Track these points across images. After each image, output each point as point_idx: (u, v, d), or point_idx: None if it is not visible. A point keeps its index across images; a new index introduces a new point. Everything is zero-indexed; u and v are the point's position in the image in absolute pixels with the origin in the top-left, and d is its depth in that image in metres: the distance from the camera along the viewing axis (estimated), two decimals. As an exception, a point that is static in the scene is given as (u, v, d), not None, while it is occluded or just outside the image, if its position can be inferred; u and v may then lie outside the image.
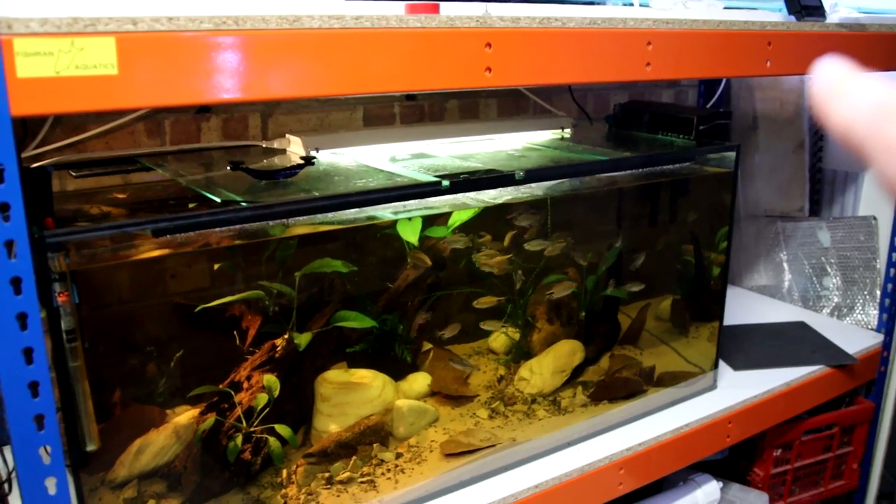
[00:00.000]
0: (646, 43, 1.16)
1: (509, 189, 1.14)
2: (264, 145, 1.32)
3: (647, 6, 1.26)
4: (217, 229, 0.90)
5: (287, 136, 1.27)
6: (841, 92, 0.27)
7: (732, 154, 1.41)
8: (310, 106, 1.47)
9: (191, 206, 1.02)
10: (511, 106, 1.75)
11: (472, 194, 1.11)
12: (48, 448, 0.80)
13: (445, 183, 1.05)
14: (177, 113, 1.35)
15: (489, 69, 1.01)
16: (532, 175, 1.13)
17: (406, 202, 1.05)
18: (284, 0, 0.93)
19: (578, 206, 1.38)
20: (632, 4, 1.25)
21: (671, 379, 1.47)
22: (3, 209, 0.75)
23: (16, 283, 0.76)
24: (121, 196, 1.18)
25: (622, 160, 1.26)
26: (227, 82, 0.83)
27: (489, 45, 1.01)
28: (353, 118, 1.53)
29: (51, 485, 0.81)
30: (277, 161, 1.20)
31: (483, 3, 1.04)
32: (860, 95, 0.26)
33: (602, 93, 1.93)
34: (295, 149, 1.24)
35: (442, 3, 1.00)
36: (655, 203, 1.53)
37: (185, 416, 1.06)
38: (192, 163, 1.27)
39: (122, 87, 0.78)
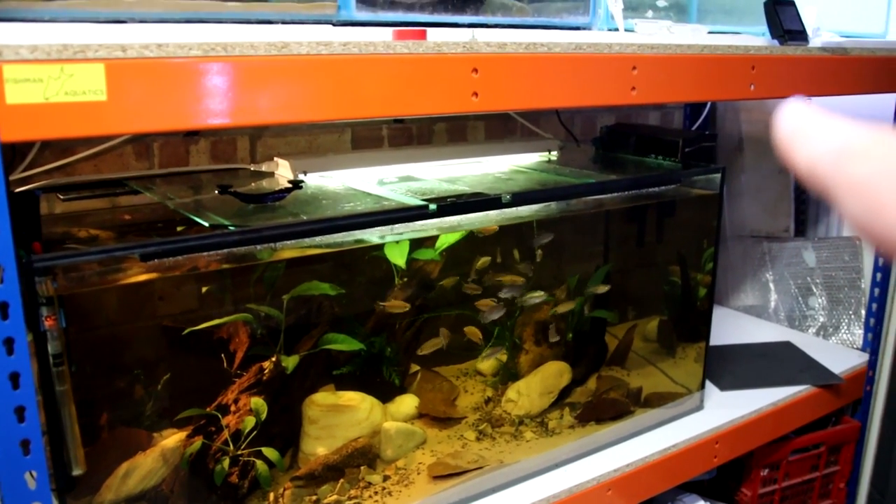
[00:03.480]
0: (631, 67, 1.18)
1: (495, 212, 1.15)
2: (252, 168, 1.32)
3: (632, 31, 1.28)
4: (205, 253, 0.90)
5: (275, 159, 1.28)
6: (804, 133, 0.27)
7: (718, 176, 1.43)
8: (298, 129, 1.48)
9: (179, 229, 1.03)
10: (499, 129, 1.76)
11: (463, 217, 1.12)
12: (34, 473, 0.80)
13: (433, 206, 1.06)
14: (166, 136, 1.35)
15: (476, 94, 1.02)
16: (519, 198, 1.14)
17: (394, 225, 1.06)
18: (272, 27, 0.94)
19: (565, 229, 1.39)
20: (617, 30, 1.26)
21: (658, 399, 1.48)
22: (-9, 234, 0.75)
23: (3, 308, 0.76)
24: (109, 219, 1.19)
25: (608, 183, 1.28)
26: (215, 108, 0.84)
27: (476, 70, 1.02)
28: (342, 140, 1.54)
29: (37, 510, 0.81)
30: (265, 184, 1.21)
31: (470, 30, 1.05)
32: (823, 136, 0.26)
33: (589, 115, 1.95)
34: (283, 172, 1.24)
35: (429, 30, 1.01)
36: (642, 225, 1.54)
37: (172, 439, 1.06)
38: (180, 185, 1.27)
39: (110, 113, 0.78)
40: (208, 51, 0.83)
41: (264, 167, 1.29)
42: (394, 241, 1.15)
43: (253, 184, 1.21)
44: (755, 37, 1.42)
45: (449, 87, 1.00)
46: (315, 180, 1.23)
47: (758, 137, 2.12)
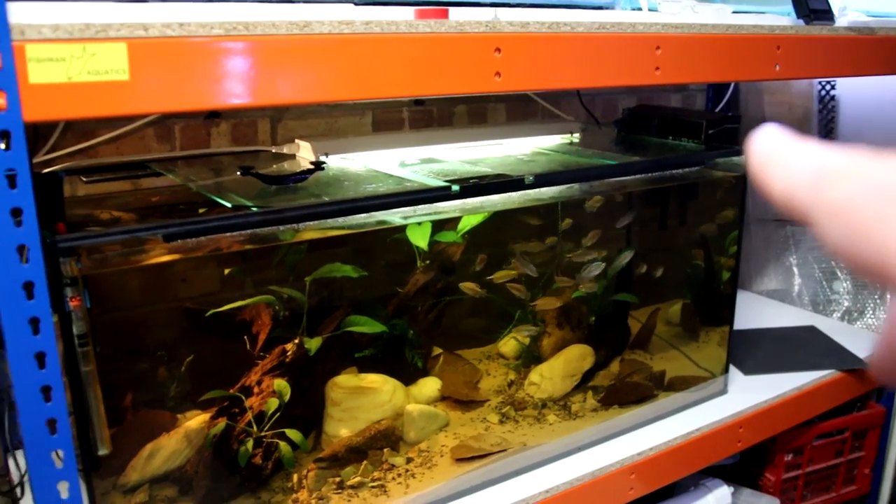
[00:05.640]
0: (655, 47, 1.16)
1: (518, 194, 1.14)
2: (274, 150, 1.32)
3: (655, 10, 1.26)
4: (228, 234, 0.90)
5: (296, 141, 1.28)
6: (778, 159, 0.26)
7: (743, 158, 1.41)
8: (318, 111, 1.47)
9: (201, 211, 1.03)
10: (519, 110, 1.75)
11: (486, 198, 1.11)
12: (60, 452, 0.81)
13: (455, 188, 1.05)
14: (187, 118, 1.35)
15: (498, 74, 1.01)
16: (541, 180, 1.13)
17: (416, 207, 1.05)
18: (294, 6, 0.93)
19: (586, 211, 1.38)
20: (640, 9, 1.25)
21: (681, 383, 1.47)
22: (16, 214, 0.75)
23: (28, 288, 0.76)
24: (131, 201, 1.19)
25: (632, 165, 1.26)
26: (237, 87, 0.83)
27: (498, 49, 1.01)
28: (362, 123, 1.54)
29: (63, 489, 0.81)
30: (287, 166, 1.20)
31: (492, 9, 1.04)
32: (798, 161, 0.26)
33: (610, 97, 1.93)
34: (304, 154, 1.24)
35: (451, 9, 1.00)
36: (665, 208, 1.53)
37: (195, 420, 1.07)
38: (201, 168, 1.27)
39: (133, 93, 0.78)
40: (230, 30, 0.82)
41: (286, 149, 1.29)
42: (416, 222, 1.15)
43: (274, 165, 1.21)
44: (781, 16, 1.40)
45: (472, 67, 0.99)
46: (336, 162, 1.22)
47: (781, 119, 2.09)
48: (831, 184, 0.24)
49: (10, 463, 1.20)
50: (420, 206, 1.04)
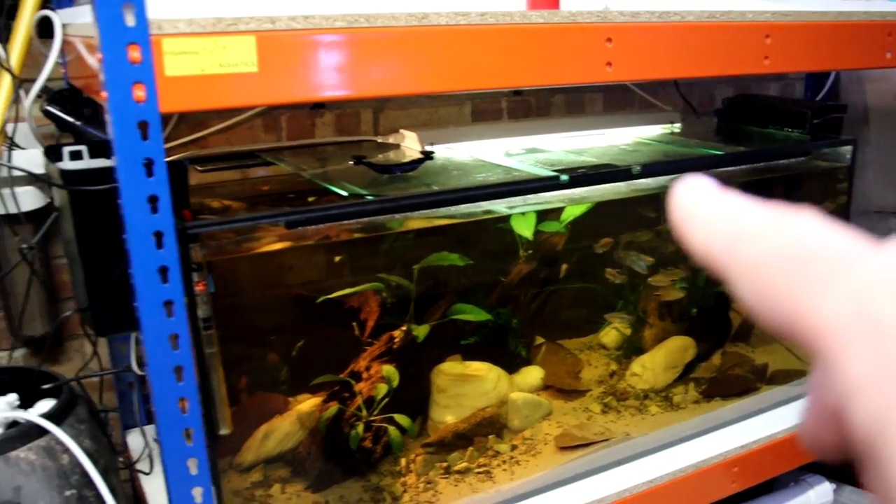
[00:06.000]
0: (764, 36, 1.14)
1: (623, 184, 1.14)
2: (379, 140, 1.34)
3: (764, -2, 1.24)
4: (346, 222, 0.92)
5: (401, 131, 1.29)
6: (698, 213, 0.25)
7: (849, 149, 1.38)
8: (419, 101, 1.49)
9: (310, 199, 1.05)
10: (616, 100, 1.74)
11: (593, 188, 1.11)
12: (191, 430, 0.84)
13: (564, 177, 1.05)
14: (293, 109, 1.38)
15: (609, 64, 1.01)
16: (649, 169, 1.13)
17: (525, 196, 1.06)
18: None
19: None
20: (750, -4, 1.23)
21: (784, 377, 1.45)
22: (152, 201, 0.78)
23: (163, 273, 0.79)
24: (241, 189, 1.22)
25: (740, 154, 1.25)
26: (358, 78, 0.85)
27: (609, 39, 1.01)
28: (462, 113, 1.55)
29: (192, 465, 0.85)
30: (393, 156, 1.22)
31: (604, -1, 1.04)
32: (717, 217, 0.25)
33: (707, 86, 1.90)
34: (410, 144, 1.26)
35: (561, -1, 1.00)
36: (768, 198, 1.50)
37: (307, 403, 1.09)
38: (308, 157, 1.30)
39: (261, 84, 0.81)
40: (352, 22, 0.84)
41: (391, 139, 1.31)
42: (520, 212, 1.16)
43: (380, 155, 1.23)
44: (892, 2, 1.36)
45: (583, 57, 0.99)
46: (442, 152, 1.24)
47: (884, 109, 2.03)
48: (744, 243, 0.23)
49: (130, 439, 1.25)
50: (529, 196, 1.05)
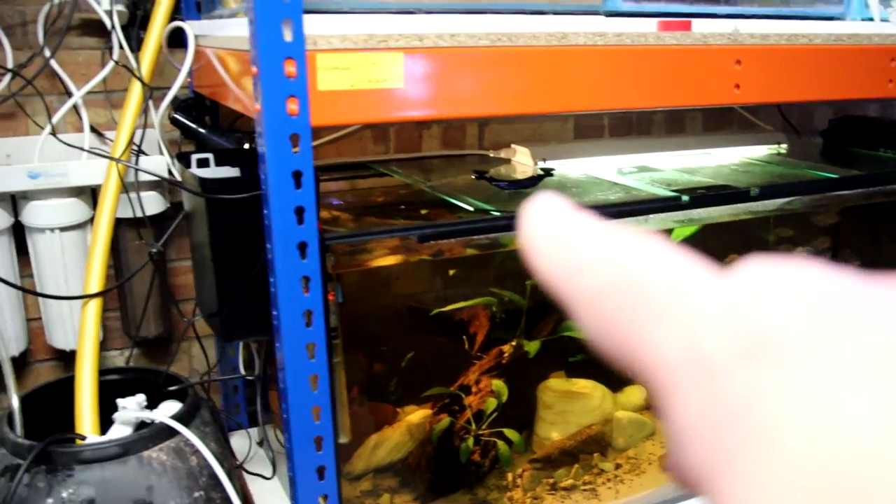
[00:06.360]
0: (890, 59, 1.13)
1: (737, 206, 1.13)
2: (491, 154, 1.35)
3: (887, 20, 1.22)
4: (476, 237, 0.93)
5: (512, 146, 1.30)
6: (544, 237, 0.23)
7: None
8: (524, 117, 1.49)
9: (423, 211, 1.06)
10: (716, 119, 1.73)
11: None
12: (321, 438, 0.85)
13: (685, 197, 1.05)
14: (401, 122, 1.40)
15: (738, 86, 1.01)
16: (767, 192, 1.12)
17: (643, 217, 1.06)
18: (544, 17, 0.95)
19: (799, 225, 1.35)
20: (872, 19, 1.21)
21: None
22: (299, 213, 0.80)
23: (305, 282, 0.81)
24: (355, 201, 1.24)
25: (858, 178, 1.23)
26: (498, 96, 0.86)
27: (739, 61, 1.00)
28: (565, 129, 1.55)
29: (321, 473, 0.86)
30: (510, 171, 1.23)
31: (731, 20, 1.03)
32: (560, 242, 0.23)
33: (807, 107, 1.88)
34: (521, 159, 1.26)
35: (693, 20, 1.00)
36: (877, 222, 1.47)
37: (416, 414, 1.10)
38: (416, 169, 1.31)
39: (405, 99, 0.82)
40: (495, 40, 0.85)
41: (502, 154, 1.31)
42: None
43: (496, 169, 1.23)
44: None
45: (713, 79, 0.99)
46: (558, 168, 1.24)
47: None
48: (581, 272, 0.22)
49: (234, 442, 1.27)
50: (650, 216, 1.04)
